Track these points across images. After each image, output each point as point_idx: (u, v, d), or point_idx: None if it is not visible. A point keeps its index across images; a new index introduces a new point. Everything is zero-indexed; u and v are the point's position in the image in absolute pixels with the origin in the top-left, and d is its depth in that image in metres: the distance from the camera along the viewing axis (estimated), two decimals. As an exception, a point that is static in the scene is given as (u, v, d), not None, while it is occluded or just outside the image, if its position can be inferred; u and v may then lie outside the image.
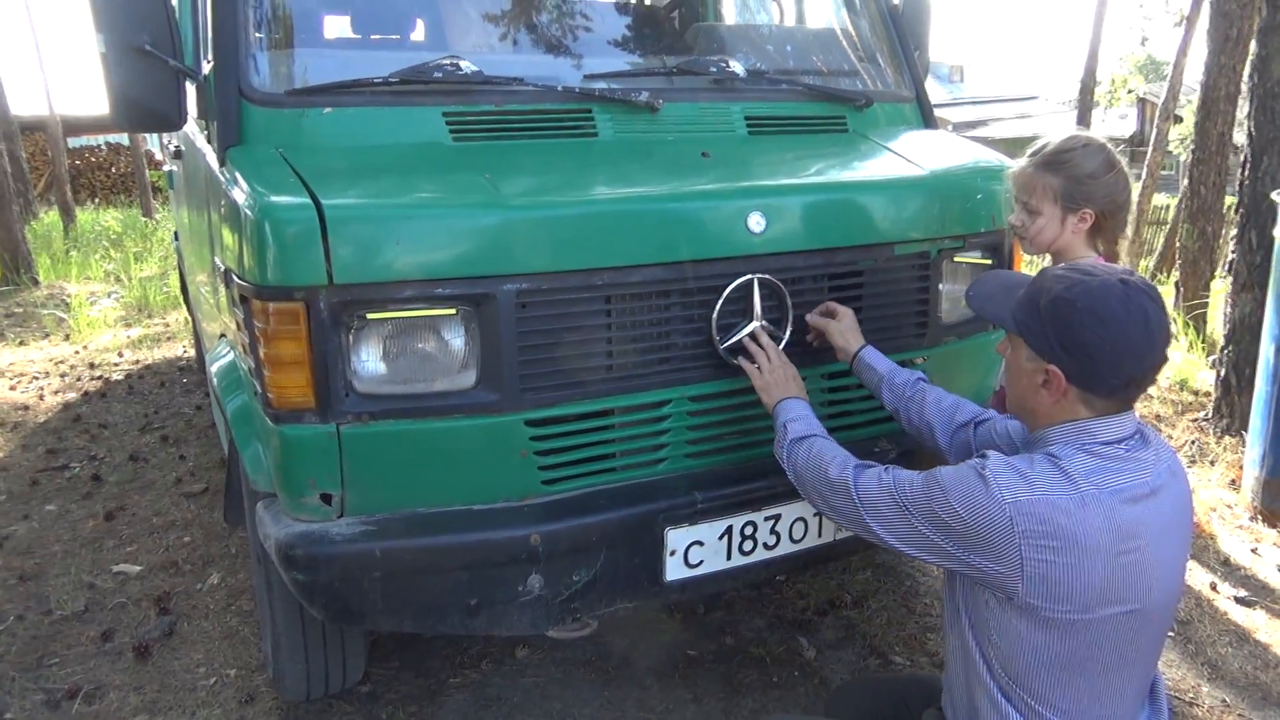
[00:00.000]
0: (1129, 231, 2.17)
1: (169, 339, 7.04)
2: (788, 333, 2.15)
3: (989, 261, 2.46)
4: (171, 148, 3.54)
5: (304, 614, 2.22)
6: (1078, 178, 2.06)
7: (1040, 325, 1.48)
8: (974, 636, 1.55)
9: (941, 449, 1.96)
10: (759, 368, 2.04)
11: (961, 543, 1.46)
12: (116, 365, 6.25)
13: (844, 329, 2.13)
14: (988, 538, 1.42)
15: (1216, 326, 5.55)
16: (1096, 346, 1.41)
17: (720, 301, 2.05)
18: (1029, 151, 2.15)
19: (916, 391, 2.01)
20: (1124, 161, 2.10)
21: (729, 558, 2.09)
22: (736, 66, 2.57)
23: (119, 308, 8.20)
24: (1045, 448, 1.50)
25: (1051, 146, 2.10)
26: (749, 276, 2.07)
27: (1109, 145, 2.10)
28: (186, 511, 3.82)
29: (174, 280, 8.31)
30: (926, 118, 2.91)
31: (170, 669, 2.73)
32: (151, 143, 16.70)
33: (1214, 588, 3.14)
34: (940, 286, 2.37)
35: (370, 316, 1.82)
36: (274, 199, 1.79)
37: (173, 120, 2.15)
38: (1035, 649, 1.46)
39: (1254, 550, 3.41)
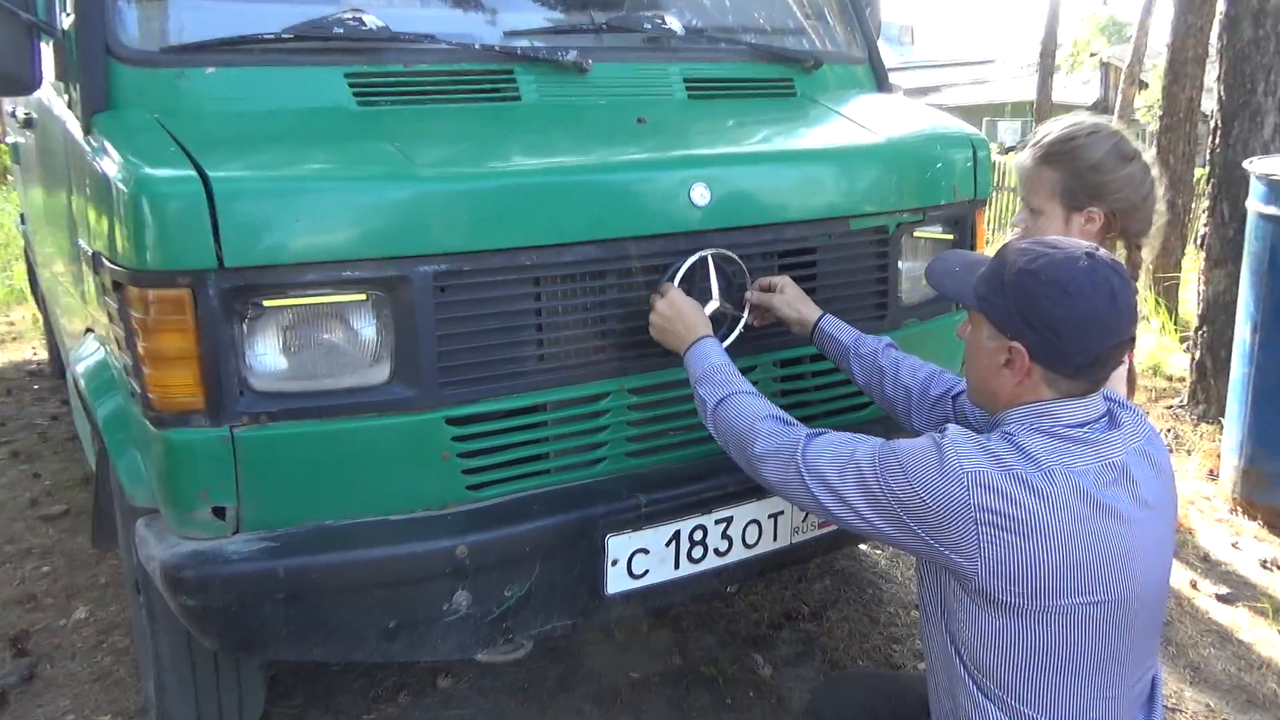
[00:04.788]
0: (1156, 240, 2.08)
1: (14, 339, 6.82)
2: (745, 313, 2.20)
3: (950, 236, 2.54)
4: (20, 116, 3.43)
5: (194, 646, 2.19)
6: (1080, 171, 2.00)
7: (1003, 300, 1.55)
8: (948, 629, 1.62)
9: (916, 427, 2.03)
10: (655, 311, 2.02)
11: (916, 519, 1.53)
12: (-48, 372, 6.02)
13: (791, 300, 2.16)
14: (942, 514, 1.49)
15: (1189, 306, 5.78)
16: (1061, 320, 1.50)
17: (677, 280, 2.08)
18: (1031, 140, 2.10)
19: (888, 361, 2.07)
20: (1146, 153, 2.03)
21: (677, 566, 2.12)
22: (673, 23, 2.60)
23: (-48, 305, 7.89)
24: (1001, 428, 1.58)
25: (1053, 134, 2.04)
26: (705, 253, 2.10)
27: (1123, 133, 2.04)
28: (44, 537, 3.72)
29: (19, 271, 8.02)
30: (880, 81, 2.98)
31: (32, 718, 2.66)
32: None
33: (1194, 585, 3.30)
34: (900, 264, 2.44)
35: (267, 304, 1.80)
36: (152, 171, 1.76)
37: (24, 82, 2.09)
38: (1002, 641, 1.53)
39: (1234, 545, 3.58)
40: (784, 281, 2.18)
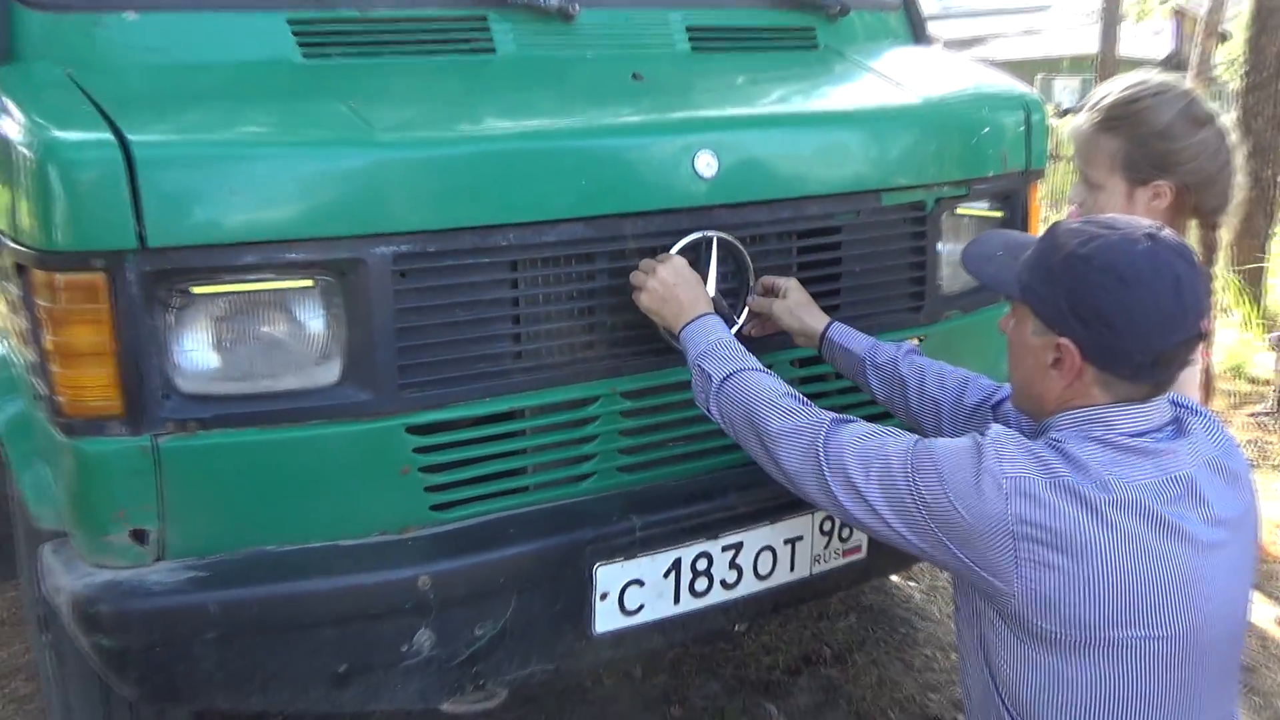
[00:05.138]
0: (1236, 218, 2.10)
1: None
2: (745, 312, 2.20)
3: (999, 214, 2.55)
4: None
5: (109, 694, 2.18)
6: (1144, 138, 1.99)
7: (1050, 290, 1.56)
8: (987, 662, 1.63)
9: None
10: (648, 279, 2.00)
11: (947, 531, 1.54)
12: None
13: (794, 306, 2.15)
14: (977, 526, 1.50)
15: (1277, 296, 5.80)
16: (1116, 313, 1.50)
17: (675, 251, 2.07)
18: (1089, 103, 2.10)
19: (910, 370, 2.06)
20: (1225, 116, 2.06)
21: (677, 600, 2.13)
22: (674, -39, 2.61)
23: None
24: (1046, 435, 1.58)
25: (1113, 96, 2.04)
26: (705, 234, 2.10)
27: (1197, 94, 2.04)
28: (-67, 566, 3.71)
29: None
30: (916, 30, 2.98)
31: (-81, 778, 2.66)
32: None
33: (1281, 624, 3.31)
34: (939, 246, 2.44)
35: (197, 291, 1.81)
36: (61, 134, 1.76)
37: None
38: (1048, 681, 1.54)
39: (1328, 577, 3.59)
40: (789, 285, 2.17)
